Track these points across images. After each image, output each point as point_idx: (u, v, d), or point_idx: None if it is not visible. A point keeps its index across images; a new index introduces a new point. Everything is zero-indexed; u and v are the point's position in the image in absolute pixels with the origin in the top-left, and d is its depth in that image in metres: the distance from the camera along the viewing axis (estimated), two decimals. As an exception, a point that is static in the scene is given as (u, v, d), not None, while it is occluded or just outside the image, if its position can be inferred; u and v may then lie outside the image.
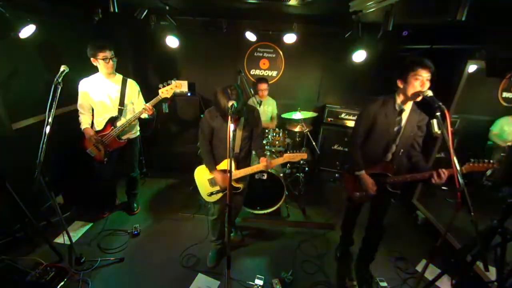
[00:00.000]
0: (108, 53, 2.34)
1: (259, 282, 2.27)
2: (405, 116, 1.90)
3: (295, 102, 4.03)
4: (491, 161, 1.72)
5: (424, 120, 1.91)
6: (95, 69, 2.46)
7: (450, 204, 3.18)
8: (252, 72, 4.29)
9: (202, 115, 2.11)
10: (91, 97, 2.46)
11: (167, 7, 2.90)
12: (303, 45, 3.82)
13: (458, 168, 1.46)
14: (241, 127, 2.06)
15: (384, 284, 2.31)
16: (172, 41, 3.45)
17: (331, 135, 4.13)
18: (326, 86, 4.28)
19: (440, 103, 1.53)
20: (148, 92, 2.84)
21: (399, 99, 1.87)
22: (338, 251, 2.64)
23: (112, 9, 2.23)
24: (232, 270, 1.97)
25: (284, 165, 3.69)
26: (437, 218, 3.02)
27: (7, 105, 2.45)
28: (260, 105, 3.49)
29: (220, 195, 2.22)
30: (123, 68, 3.95)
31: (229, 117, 1.62)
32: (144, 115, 2.53)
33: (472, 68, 2.77)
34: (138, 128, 2.81)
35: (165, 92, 2.46)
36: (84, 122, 2.51)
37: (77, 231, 2.75)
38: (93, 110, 2.55)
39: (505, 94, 3.08)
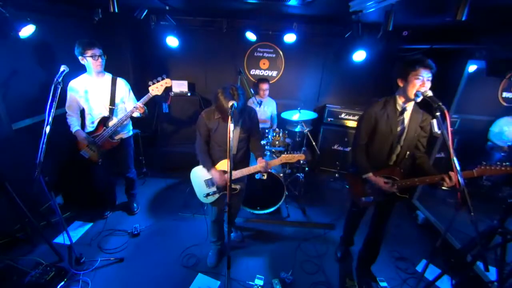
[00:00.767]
0: (96, 51, 2.30)
1: (259, 282, 2.27)
2: (407, 116, 1.87)
3: (295, 102, 4.04)
4: (505, 163, 1.65)
5: (427, 120, 1.88)
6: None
7: (450, 204, 3.18)
8: (252, 72, 4.29)
9: (200, 115, 2.10)
10: (81, 98, 2.41)
11: (167, 7, 2.91)
12: (303, 45, 3.83)
13: (459, 168, 1.45)
14: (238, 128, 2.06)
15: (384, 284, 2.31)
16: (172, 41, 3.45)
17: (331, 135, 4.13)
18: (326, 86, 4.28)
19: (440, 103, 1.53)
20: (148, 92, 2.82)
21: (400, 99, 1.86)
22: (338, 252, 2.63)
23: (112, 9, 2.23)
24: (232, 270, 1.97)
25: (284, 165, 3.69)
26: (437, 218, 3.02)
27: (7, 105, 2.46)
28: (260, 105, 3.49)
29: (216, 196, 2.20)
30: (123, 68, 3.99)
31: (229, 117, 1.61)
32: (136, 114, 2.48)
33: (472, 68, 2.77)
34: (131, 128, 2.78)
35: (155, 89, 2.40)
36: (74, 124, 2.46)
37: (77, 231, 2.75)
38: (83, 111, 2.50)
39: (505, 94, 3.08)
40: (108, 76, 2.50)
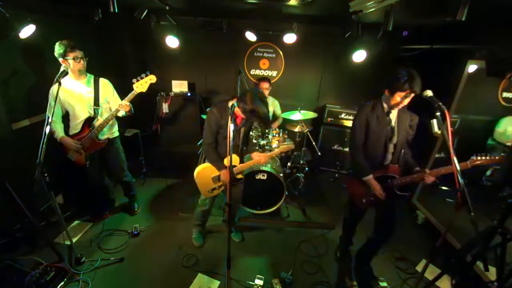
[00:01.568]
0: (78, 53, 2.24)
1: (259, 282, 2.27)
2: (393, 116, 2.00)
3: (295, 102, 4.03)
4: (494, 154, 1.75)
5: (415, 119, 2.03)
6: (95, 68, 2.43)
7: (450, 204, 3.18)
8: (252, 72, 4.29)
9: (208, 109, 2.14)
10: (64, 101, 2.36)
11: (167, 7, 2.90)
12: (303, 45, 3.82)
13: (459, 168, 1.45)
14: (245, 125, 2.23)
15: (384, 284, 2.31)
16: (172, 41, 3.45)
17: (331, 135, 4.13)
18: (326, 86, 4.28)
19: (440, 103, 1.54)
20: (148, 92, 2.82)
21: (384, 104, 1.99)
22: (338, 252, 2.64)
23: (112, 9, 2.23)
24: (232, 270, 1.97)
25: (284, 165, 3.69)
26: (437, 218, 3.02)
27: (7, 105, 2.45)
28: (260, 105, 3.48)
29: (221, 189, 2.37)
30: (122, 68, 3.99)
31: (229, 116, 1.62)
32: (122, 113, 2.45)
33: (472, 68, 2.76)
34: (117, 128, 2.73)
35: (139, 86, 2.36)
36: (57, 130, 2.39)
37: (77, 231, 2.75)
38: (67, 114, 2.46)
39: (505, 94, 3.08)
40: (90, 77, 2.46)
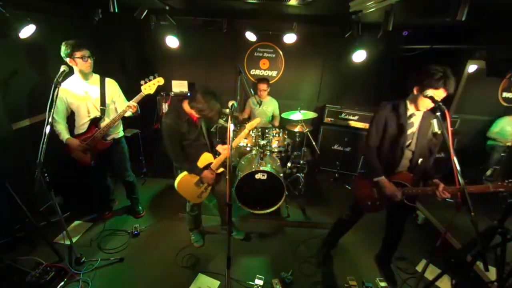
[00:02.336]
0: (85, 52, 2.24)
1: (259, 282, 2.27)
2: (416, 120, 1.85)
3: (295, 102, 4.04)
4: None
5: (441, 127, 1.87)
6: (95, 68, 2.43)
7: (450, 204, 3.18)
8: (252, 72, 4.29)
9: (164, 123, 2.08)
10: (71, 101, 2.36)
11: (167, 7, 2.91)
12: (303, 45, 3.82)
13: (459, 168, 1.45)
14: (203, 122, 2.24)
15: (384, 284, 2.31)
16: (172, 41, 3.45)
17: (331, 135, 4.13)
18: (326, 86, 4.28)
19: (440, 103, 1.53)
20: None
21: (410, 105, 1.84)
22: (320, 256, 2.54)
23: (112, 9, 2.23)
24: (232, 270, 1.97)
25: (284, 165, 3.69)
26: (437, 218, 3.02)
27: (7, 105, 2.45)
28: (260, 105, 3.49)
29: (209, 190, 2.39)
30: (123, 69, 3.99)
31: (229, 116, 1.62)
32: (129, 113, 2.46)
33: (472, 68, 2.77)
34: (122, 128, 2.74)
35: (147, 88, 2.38)
36: (63, 132, 2.38)
37: (77, 231, 2.75)
38: (72, 115, 2.45)
39: (505, 94, 3.09)
40: (96, 77, 2.46)
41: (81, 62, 2.26)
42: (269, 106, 3.87)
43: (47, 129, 1.81)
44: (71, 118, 2.50)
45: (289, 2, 2.35)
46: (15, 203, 2.22)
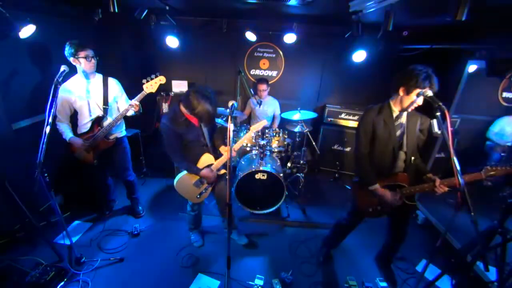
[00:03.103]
0: (90, 52, 2.27)
1: (259, 282, 2.27)
2: (403, 120, 1.87)
3: (295, 102, 4.04)
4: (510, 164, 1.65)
5: (426, 122, 1.87)
6: (96, 69, 2.44)
7: (450, 204, 3.18)
8: (252, 72, 4.29)
9: (162, 124, 2.07)
10: (74, 101, 2.38)
11: (167, 7, 2.91)
12: (303, 45, 3.83)
13: (459, 168, 1.45)
14: (205, 127, 2.22)
15: (384, 284, 2.31)
16: (172, 41, 3.45)
17: (331, 135, 4.13)
18: (326, 86, 4.28)
19: (440, 103, 1.53)
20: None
21: (395, 106, 1.84)
22: (321, 256, 2.54)
23: (112, 9, 2.23)
24: (232, 270, 1.97)
25: (284, 165, 3.70)
26: (437, 218, 3.02)
27: (7, 105, 2.45)
28: (260, 105, 3.49)
29: (209, 191, 2.37)
30: (122, 68, 3.99)
31: (229, 116, 1.62)
32: (131, 112, 2.47)
33: (472, 68, 2.76)
34: (124, 127, 2.76)
35: (149, 87, 2.39)
36: (66, 131, 2.41)
37: (77, 231, 2.75)
38: (75, 114, 2.47)
39: (505, 94, 3.09)
40: (99, 76, 2.48)
41: (84, 62, 2.28)
42: (270, 106, 3.86)
43: (47, 129, 1.81)
44: (74, 117, 2.51)
45: (289, 2, 2.35)
46: (15, 203, 2.22)
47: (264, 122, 2.25)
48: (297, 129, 3.45)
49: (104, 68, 2.59)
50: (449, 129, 1.48)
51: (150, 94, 2.45)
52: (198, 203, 2.49)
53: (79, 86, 2.39)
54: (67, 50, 2.23)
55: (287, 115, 3.46)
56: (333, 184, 4.03)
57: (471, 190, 1.45)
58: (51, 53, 2.82)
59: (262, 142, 3.21)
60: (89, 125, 2.47)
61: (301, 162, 3.59)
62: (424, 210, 3.21)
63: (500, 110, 3.11)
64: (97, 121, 2.46)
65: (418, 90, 1.66)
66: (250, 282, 2.28)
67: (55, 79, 1.87)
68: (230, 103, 1.75)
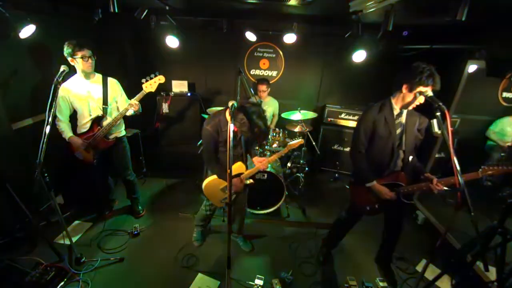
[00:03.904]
0: (86, 52, 2.25)
1: (259, 282, 2.27)
2: (403, 119, 1.87)
3: (295, 102, 4.04)
4: (507, 163, 1.66)
5: (424, 123, 1.87)
6: (96, 67, 2.43)
7: (450, 204, 3.18)
8: (252, 72, 4.29)
9: (206, 130, 2.05)
10: (73, 100, 2.39)
11: (167, 7, 2.90)
12: (303, 45, 3.82)
13: (458, 168, 1.45)
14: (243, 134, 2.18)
15: (384, 284, 2.31)
16: (172, 41, 3.45)
17: (331, 135, 4.13)
18: (326, 86, 4.28)
19: (440, 103, 1.53)
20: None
21: (396, 103, 1.84)
22: (321, 255, 2.55)
23: (112, 9, 2.23)
24: (232, 270, 1.97)
25: (284, 165, 3.69)
26: (437, 218, 3.02)
27: (7, 105, 2.45)
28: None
29: (233, 197, 2.30)
30: (123, 68, 3.99)
31: (230, 116, 1.62)
32: (130, 112, 2.47)
33: (472, 68, 2.76)
34: (124, 127, 2.76)
35: (148, 86, 2.40)
36: (66, 130, 2.42)
37: (77, 231, 2.75)
38: (75, 113, 2.47)
39: (505, 94, 3.09)
40: (99, 76, 2.48)
41: (82, 62, 2.27)
42: (270, 106, 3.86)
43: (47, 129, 1.81)
44: (73, 117, 2.51)
45: (289, 2, 2.35)
46: (15, 203, 2.22)
47: (301, 141, 2.25)
48: (297, 129, 3.45)
49: (104, 68, 2.59)
50: (449, 129, 1.48)
51: (150, 94, 2.46)
52: (215, 207, 2.48)
53: (78, 86, 2.39)
54: (65, 50, 2.23)
55: (287, 115, 3.46)
56: (333, 184, 4.03)
57: (471, 190, 1.45)
58: (51, 53, 2.82)
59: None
60: (88, 124, 2.47)
61: (301, 162, 3.59)
62: (424, 210, 3.21)
63: (500, 110, 3.12)
64: (97, 121, 2.47)
65: (421, 87, 1.66)
66: (250, 282, 2.28)
67: (55, 79, 1.87)
68: (230, 103, 1.75)
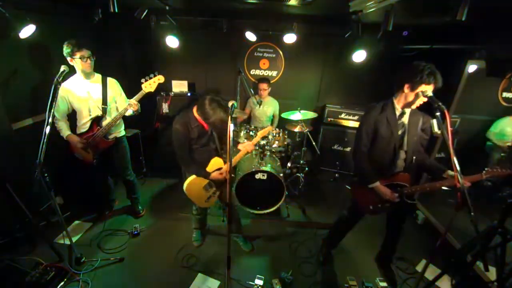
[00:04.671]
0: (85, 52, 2.24)
1: (259, 282, 2.27)
2: (405, 119, 1.86)
3: (295, 102, 4.04)
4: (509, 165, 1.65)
5: (428, 122, 1.86)
6: (94, 68, 2.44)
7: (450, 204, 3.18)
8: (252, 72, 4.29)
9: (175, 129, 2.07)
10: (72, 100, 2.39)
11: (167, 7, 2.91)
12: (303, 45, 3.82)
13: (458, 168, 1.45)
14: (214, 129, 2.22)
15: (384, 284, 2.31)
16: (172, 41, 3.45)
17: (331, 135, 4.13)
18: (326, 86, 4.28)
19: (440, 103, 1.53)
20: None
21: (398, 103, 1.84)
22: (321, 255, 2.55)
23: (112, 9, 2.23)
24: (232, 270, 1.97)
25: (284, 165, 3.69)
26: (437, 218, 3.02)
27: (7, 105, 2.45)
28: (260, 105, 3.49)
29: (217, 195, 2.33)
30: (122, 68, 3.99)
31: (229, 116, 1.61)
32: (130, 112, 2.47)
33: (472, 68, 2.76)
34: (123, 127, 2.76)
35: (148, 86, 2.39)
36: (64, 129, 2.42)
37: (77, 231, 2.75)
38: (74, 113, 2.47)
39: (505, 94, 3.09)
40: (98, 76, 2.48)
41: (80, 62, 2.27)
42: (270, 106, 3.86)
43: (47, 129, 1.81)
44: (73, 117, 2.51)
45: (289, 2, 2.35)
46: (15, 203, 2.22)
47: (270, 128, 2.25)
48: (297, 129, 3.45)
49: (104, 68, 2.59)
50: (449, 129, 1.48)
51: (150, 94, 2.45)
52: (205, 208, 2.49)
53: (78, 85, 2.39)
54: (65, 50, 2.23)
55: (287, 115, 3.45)
56: (333, 184, 4.03)
57: (471, 190, 1.45)
58: (51, 53, 2.82)
59: (262, 142, 3.21)
60: (88, 124, 2.47)
61: (301, 162, 3.59)
62: (424, 210, 3.21)
63: (500, 110, 3.12)
64: (96, 121, 2.46)
65: (423, 86, 1.65)
66: (250, 282, 2.28)
67: (55, 79, 1.87)
68: (230, 103, 1.74)
